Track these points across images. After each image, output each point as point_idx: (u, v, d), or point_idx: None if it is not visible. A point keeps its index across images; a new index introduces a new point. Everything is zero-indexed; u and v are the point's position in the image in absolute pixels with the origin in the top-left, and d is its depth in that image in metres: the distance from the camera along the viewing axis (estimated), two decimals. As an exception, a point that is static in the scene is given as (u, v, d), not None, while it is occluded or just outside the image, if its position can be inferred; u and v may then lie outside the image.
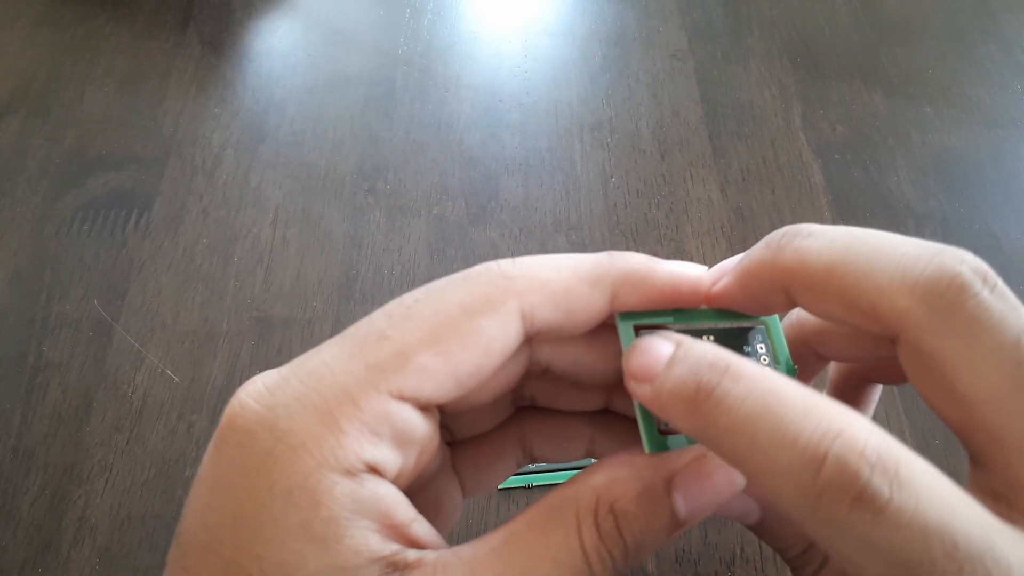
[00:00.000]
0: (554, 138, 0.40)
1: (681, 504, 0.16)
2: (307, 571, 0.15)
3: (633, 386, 0.17)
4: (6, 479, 0.29)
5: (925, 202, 0.37)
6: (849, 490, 0.13)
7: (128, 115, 0.40)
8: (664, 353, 0.16)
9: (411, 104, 0.41)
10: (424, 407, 0.16)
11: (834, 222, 0.36)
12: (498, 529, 0.16)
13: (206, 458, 0.16)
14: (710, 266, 0.20)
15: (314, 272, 0.35)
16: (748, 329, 0.19)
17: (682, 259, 0.35)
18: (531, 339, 0.17)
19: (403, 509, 0.16)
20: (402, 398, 0.16)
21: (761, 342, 0.19)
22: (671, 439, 0.18)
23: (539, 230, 0.36)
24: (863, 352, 0.19)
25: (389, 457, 0.16)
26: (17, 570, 0.27)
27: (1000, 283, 0.15)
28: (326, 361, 0.16)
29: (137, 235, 0.36)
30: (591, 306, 0.17)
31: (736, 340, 0.19)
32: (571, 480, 0.17)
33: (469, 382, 0.16)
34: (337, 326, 0.33)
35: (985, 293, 0.15)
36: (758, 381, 0.14)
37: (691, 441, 0.17)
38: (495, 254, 0.35)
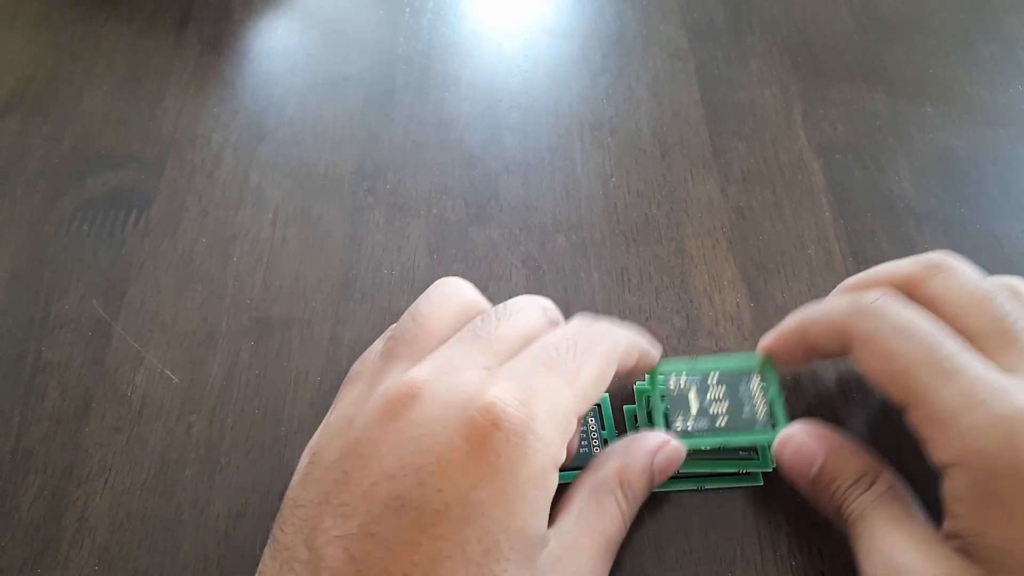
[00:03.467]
0: (554, 138, 0.39)
1: (656, 474, 0.26)
2: (529, 537, 0.20)
3: (788, 475, 0.27)
4: (5, 480, 0.29)
5: (926, 202, 0.37)
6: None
7: (127, 115, 0.40)
8: (816, 459, 0.26)
9: (411, 104, 0.41)
10: None
11: (835, 222, 0.36)
12: (566, 509, 0.24)
13: (458, 442, 0.20)
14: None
15: (314, 272, 0.35)
16: (745, 373, 0.28)
17: (683, 260, 0.35)
18: None
19: None
20: (579, 418, 0.23)
21: (756, 379, 0.28)
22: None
23: (539, 230, 0.36)
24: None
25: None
26: (16, 570, 0.27)
27: None
28: (556, 389, 0.22)
29: (136, 235, 0.36)
30: (630, 363, 0.27)
31: (735, 379, 0.28)
32: (597, 464, 0.26)
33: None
34: (337, 326, 0.33)
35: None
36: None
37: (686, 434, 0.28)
38: (495, 254, 0.35)
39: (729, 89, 0.41)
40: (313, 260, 0.35)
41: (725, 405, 0.28)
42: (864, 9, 0.45)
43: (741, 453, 0.28)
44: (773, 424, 0.27)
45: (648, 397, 0.29)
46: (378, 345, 0.27)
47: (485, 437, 0.20)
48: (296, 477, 0.23)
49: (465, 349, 0.23)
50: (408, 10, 0.45)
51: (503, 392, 0.21)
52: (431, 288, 0.27)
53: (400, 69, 0.42)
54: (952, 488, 0.22)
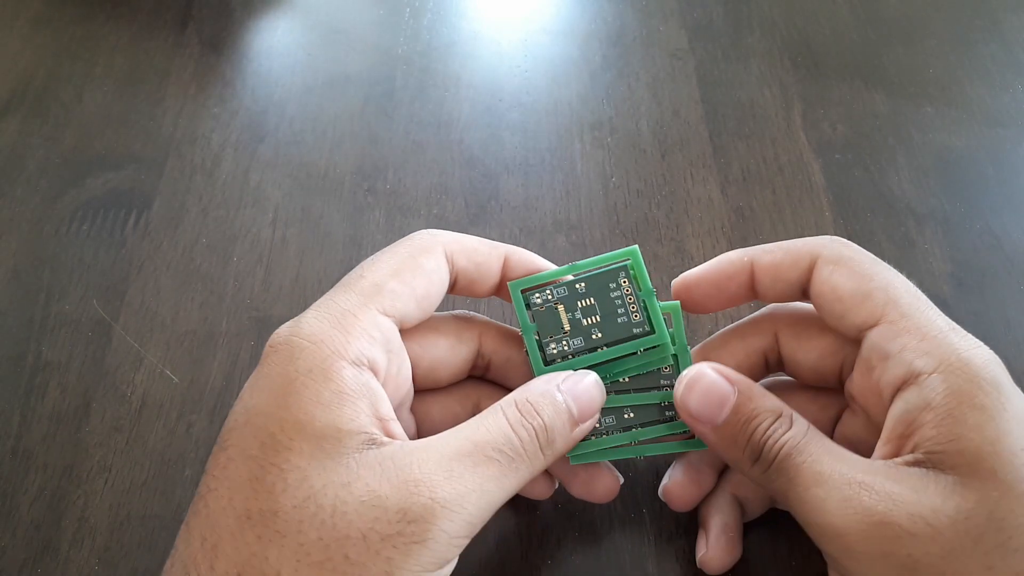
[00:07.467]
0: (554, 138, 0.40)
1: (571, 401, 0.23)
2: (313, 428, 0.20)
3: (692, 423, 0.24)
4: (5, 479, 0.29)
5: (926, 202, 0.37)
6: None
7: (127, 115, 0.40)
8: (727, 400, 0.23)
9: (411, 104, 0.41)
10: (399, 324, 0.24)
11: (835, 222, 0.36)
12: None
13: (249, 379, 0.22)
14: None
15: (313, 272, 0.35)
16: (614, 269, 0.26)
17: (683, 260, 0.35)
18: (456, 289, 0.26)
19: (386, 406, 0.22)
20: (384, 313, 0.23)
21: (624, 278, 0.26)
22: (554, 366, 0.25)
23: (539, 230, 0.36)
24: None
25: (380, 358, 0.23)
26: (16, 570, 0.27)
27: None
28: (329, 296, 0.23)
29: (136, 235, 0.36)
30: (490, 263, 0.26)
31: (604, 279, 0.26)
32: None
33: (424, 303, 0.24)
34: (337, 326, 0.33)
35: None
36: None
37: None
38: (495, 254, 0.35)
39: (729, 89, 0.41)
40: (313, 260, 0.35)
41: (597, 316, 0.25)
42: (864, 9, 0.45)
43: (635, 331, 0.26)
44: (651, 325, 0.25)
45: (521, 292, 0.26)
46: None
47: (262, 360, 0.22)
48: None
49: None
50: (408, 10, 0.45)
51: (284, 325, 0.23)
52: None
53: (400, 69, 0.42)
54: (922, 397, 0.22)
